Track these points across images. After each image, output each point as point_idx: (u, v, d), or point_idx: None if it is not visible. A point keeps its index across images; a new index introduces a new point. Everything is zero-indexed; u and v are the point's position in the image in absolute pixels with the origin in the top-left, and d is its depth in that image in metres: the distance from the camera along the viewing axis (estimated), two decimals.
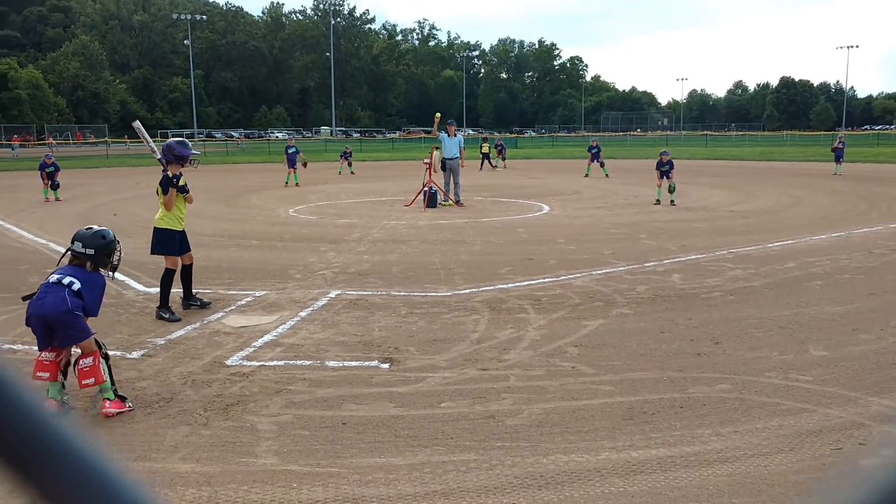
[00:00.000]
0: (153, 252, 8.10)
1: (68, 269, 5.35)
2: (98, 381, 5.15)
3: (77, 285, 5.20)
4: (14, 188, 26.14)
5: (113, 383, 5.25)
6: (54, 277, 5.25)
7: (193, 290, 8.28)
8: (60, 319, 5.10)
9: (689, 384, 5.63)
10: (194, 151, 8.33)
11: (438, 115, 19.22)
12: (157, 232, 8.01)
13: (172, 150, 8.03)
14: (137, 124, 8.70)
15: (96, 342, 5.32)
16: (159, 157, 8.06)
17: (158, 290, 7.98)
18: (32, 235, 14.22)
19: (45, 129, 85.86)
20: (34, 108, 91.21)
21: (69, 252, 5.45)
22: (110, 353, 5.53)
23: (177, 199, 8.00)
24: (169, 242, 8.00)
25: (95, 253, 5.40)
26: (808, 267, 10.22)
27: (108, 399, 5.17)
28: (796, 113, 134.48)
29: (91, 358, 5.18)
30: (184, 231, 8.13)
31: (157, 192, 8.07)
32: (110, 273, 5.60)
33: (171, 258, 7.98)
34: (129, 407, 5.20)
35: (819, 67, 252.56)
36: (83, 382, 5.17)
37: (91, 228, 5.56)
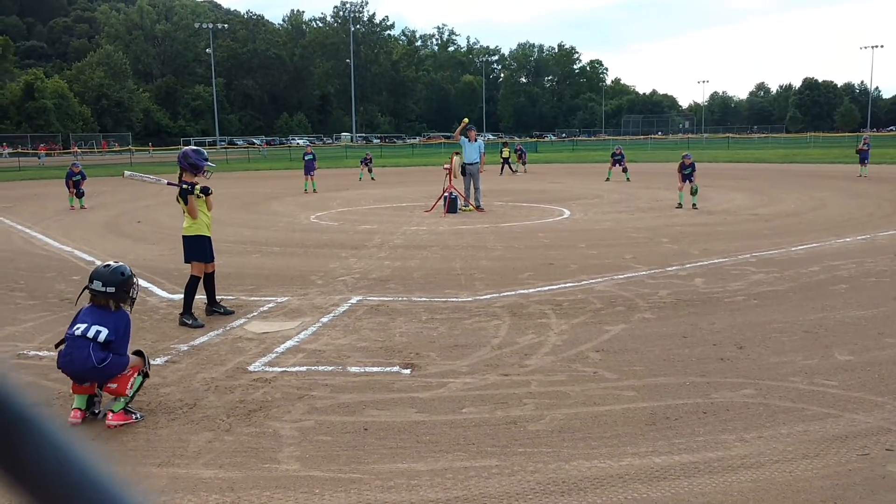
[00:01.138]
0: (187, 260, 8.14)
1: (92, 315, 5.27)
2: (120, 391, 5.18)
3: (104, 334, 5.14)
4: (40, 196, 26.49)
5: (131, 400, 5.26)
6: (80, 329, 5.17)
7: (217, 297, 8.34)
8: (90, 376, 5.16)
9: (712, 389, 5.59)
10: (210, 163, 8.29)
11: (466, 119, 19.24)
12: (187, 240, 8.06)
13: (188, 158, 8.04)
14: (129, 173, 8.83)
15: (144, 359, 5.41)
16: (166, 182, 8.13)
17: (182, 296, 8.05)
18: (58, 243, 14.40)
19: (70, 137, 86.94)
20: (60, 118, 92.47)
21: (86, 290, 5.37)
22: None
23: (199, 204, 8.05)
24: (200, 249, 8.07)
25: (116, 290, 5.32)
26: (833, 270, 10.11)
27: (113, 410, 5.16)
28: (820, 114, 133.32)
29: (130, 369, 5.26)
30: (210, 238, 8.19)
31: (178, 201, 8.13)
32: (128, 309, 5.53)
33: (198, 265, 8.04)
34: (136, 419, 5.17)
35: (843, 68, 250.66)
36: (107, 386, 5.22)
37: (109, 266, 5.47)
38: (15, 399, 0.49)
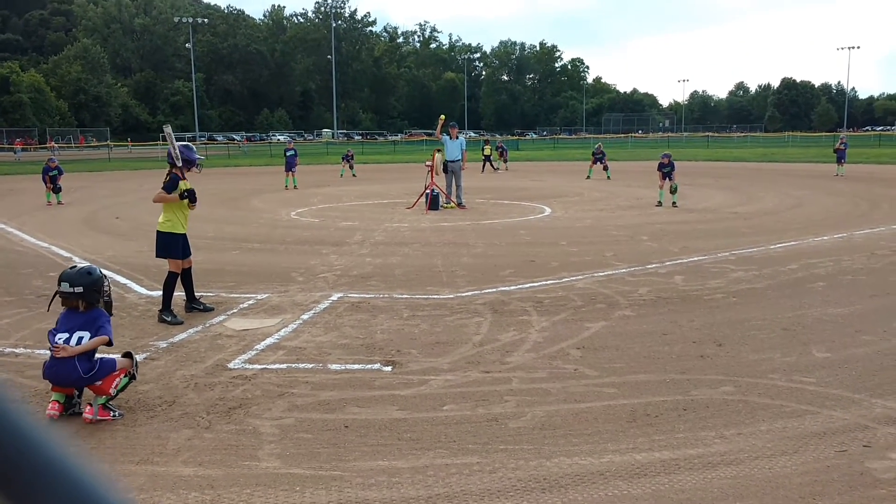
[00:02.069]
0: (158, 255, 8.12)
1: (69, 320, 5.22)
2: (105, 389, 5.13)
3: (86, 338, 5.12)
4: (16, 192, 26.18)
5: (113, 398, 5.21)
6: (62, 339, 5.12)
7: (196, 294, 8.28)
8: (78, 385, 5.17)
9: (692, 386, 5.62)
10: (199, 156, 8.33)
11: (443, 116, 19.24)
12: (161, 236, 8.01)
13: (181, 154, 8.06)
14: (168, 129, 8.66)
15: (133, 360, 5.36)
16: (179, 164, 8.06)
17: (161, 293, 7.99)
18: (35, 239, 14.23)
19: (46, 132, 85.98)
20: (36, 112, 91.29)
21: (57, 294, 5.31)
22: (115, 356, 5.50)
23: (177, 205, 7.99)
24: (173, 246, 8.00)
25: (84, 290, 5.25)
26: (811, 268, 10.21)
27: (91, 404, 5.12)
28: (798, 114, 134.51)
29: (118, 370, 5.22)
30: (185, 234, 8.13)
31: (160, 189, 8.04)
32: (107, 312, 5.45)
33: (175, 261, 7.98)
34: (114, 416, 5.13)
35: (820, 68, 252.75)
36: (93, 384, 5.18)
37: (75, 267, 5.43)
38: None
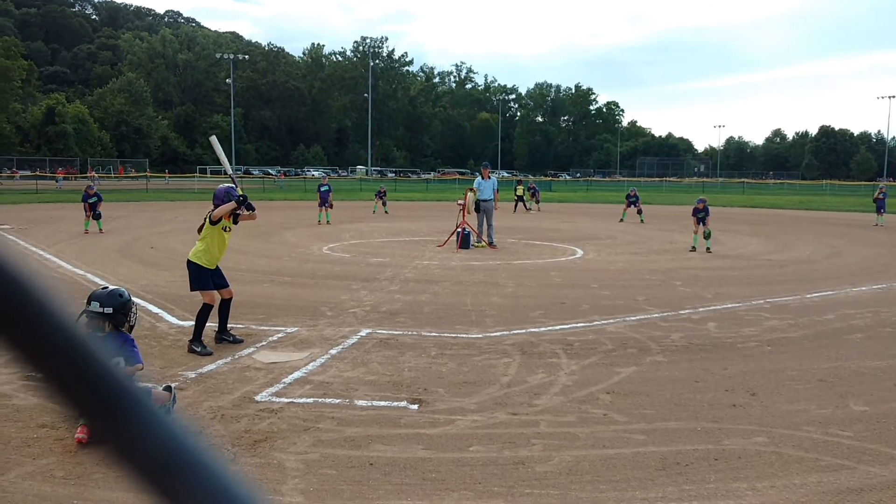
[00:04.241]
0: (192, 289, 8.15)
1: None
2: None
3: (122, 363, 5.15)
4: (56, 219, 26.68)
5: None
6: None
7: (228, 326, 8.32)
8: None
9: (724, 436, 5.50)
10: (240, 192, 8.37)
11: (471, 193, 19.22)
12: (191, 266, 8.04)
13: (230, 195, 8.10)
14: (213, 139, 8.73)
15: (172, 395, 5.44)
16: (231, 173, 8.12)
17: (193, 323, 8.04)
18: (71, 266, 14.46)
19: (88, 162, 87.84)
20: (79, 142, 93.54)
21: (85, 314, 5.34)
22: (143, 385, 5.51)
23: (217, 235, 8.03)
24: (202, 279, 8.03)
25: (114, 312, 5.32)
26: (849, 319, 10.01)
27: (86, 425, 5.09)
28: (836, 162, 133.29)
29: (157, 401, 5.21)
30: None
31: (204, 225, 8.07)
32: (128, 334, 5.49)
33: (209, 294, 8.02)
34: None
35: (859, 117, 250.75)
36: None
37: (107, 288, 5.51)
38: (123, 376, 0.49)
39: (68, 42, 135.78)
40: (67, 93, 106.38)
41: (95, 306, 5.28)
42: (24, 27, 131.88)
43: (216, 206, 8.00)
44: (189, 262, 8.07)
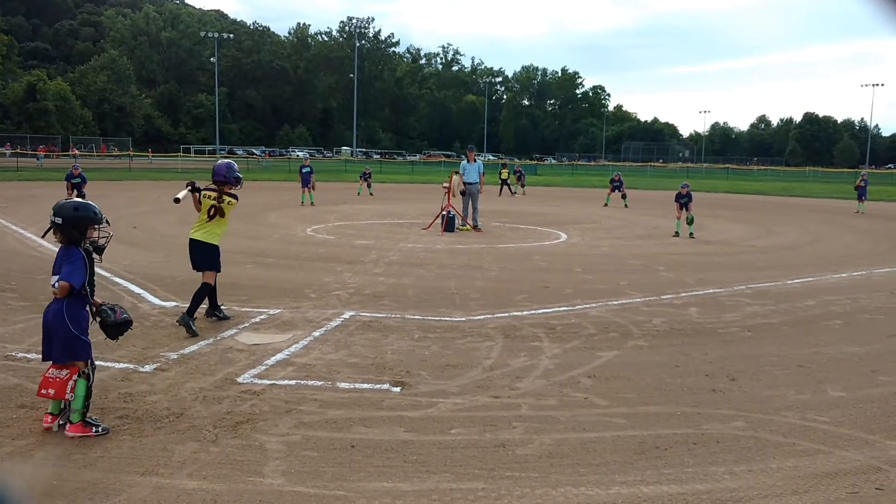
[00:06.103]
0: (200, 268, 8.25)
1: (59, 256, 5.04)
2: (58, 395, 4.95)
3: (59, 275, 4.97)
4: (37, 198, 26.41)
5: (86, 408, 5.02)
6: (53, 280, 5.01)
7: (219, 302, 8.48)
8: (49, 327, 4.99)
9: (703, 420, 5.55)
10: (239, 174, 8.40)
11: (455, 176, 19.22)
12: (212, 249, 8.19)
13: (232, 171, 8.25)
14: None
15: (88, 361, 5.09)
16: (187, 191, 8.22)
17: (175, 303, 8.02)
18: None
19: (69, 140, 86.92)
20: (61, 120, 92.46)
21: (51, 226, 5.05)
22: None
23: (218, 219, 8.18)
24: (217, 257, 8.26)
25: (63, 223, 4.96)
26: (828, 305, 10.11)
27: (72, 421, 4.98)
28: (819, 149, 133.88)
29: (66, 371, 4.98)
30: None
31: (219, 212, 8.16)
32: (96, 256, 5.14)
33: (211, 274, 8.16)
34: (96, 433, 4.95)
35: (843, 104, 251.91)
36: (41, 391, 4.99)
37: (71, 200, 5.22)
38: None
39: (50, 17, 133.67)
40: (49, 69, 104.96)
41: (52, 216, 5.01)
42: (4, 1, 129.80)
43: (217, 184, 8.15)
44: (211, 246, 8.17)
